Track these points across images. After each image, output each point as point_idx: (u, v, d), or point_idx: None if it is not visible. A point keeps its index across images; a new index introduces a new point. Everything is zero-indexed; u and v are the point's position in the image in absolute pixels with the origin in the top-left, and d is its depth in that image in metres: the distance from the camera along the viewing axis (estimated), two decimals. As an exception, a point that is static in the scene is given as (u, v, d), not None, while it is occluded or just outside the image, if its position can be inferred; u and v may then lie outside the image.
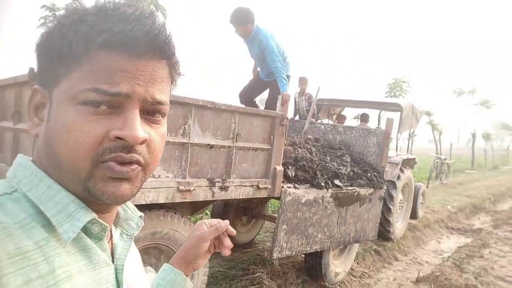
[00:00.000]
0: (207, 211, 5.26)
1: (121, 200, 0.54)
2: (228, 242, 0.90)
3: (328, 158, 4.05)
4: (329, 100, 6.74)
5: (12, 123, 2.42)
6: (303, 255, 4.34)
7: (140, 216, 0.69)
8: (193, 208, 3.29)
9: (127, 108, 0.52)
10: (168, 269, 0.88)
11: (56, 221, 0.51)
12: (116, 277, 0.59)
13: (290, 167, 3.53)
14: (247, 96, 4.66)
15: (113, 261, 0.60)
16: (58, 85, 0.52)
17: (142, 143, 0.53)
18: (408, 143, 7.83)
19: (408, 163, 6.78)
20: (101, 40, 0.50)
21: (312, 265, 4.21)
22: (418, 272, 5.20)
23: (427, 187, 11.46)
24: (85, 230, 0.55)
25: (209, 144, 2.70)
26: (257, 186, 3.11)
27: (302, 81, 7.07)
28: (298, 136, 4.53)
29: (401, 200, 6.55)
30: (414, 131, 7.60)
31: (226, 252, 0.91)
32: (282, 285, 4.09)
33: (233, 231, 0.91)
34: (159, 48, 0.54)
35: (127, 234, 0.66)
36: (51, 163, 0.54)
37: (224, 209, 4.92)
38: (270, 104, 4.45)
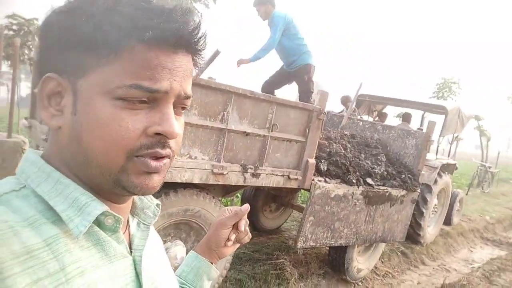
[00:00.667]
0: (238, 194, 5.41)
1: (152, 191, 0.55)
2: (242, 226, 0.89)
3: (362, 155, 4.04)
4: (370, 96, 6.63)
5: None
6: (327, 248, 4.41)
7: (157, 205, 0.68)
8: (225, 191, 3.44)
9: (163, 103, 0.52)
10: (193, 256, 0.89)
11: (66, 216, 0.50)
12: (135, 268, 0.58)
13: (323, 161, 3.58)
14: (270, 88, 4.66)
15: (131, 252, 0.60)
16: (86, 77, 0.50)
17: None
18: (451, 147, 7.56)
19: (448, 168, 6.58)
20: (148, 37, 0.49)
21: (335, 259, 4.26)
22: (444, 279, 5.11)
23: (466, 194, 11.03)
24: (98, 223, 0.54)
25: (245, 132, 2.80)
26: (288, 176, 3.19)
27: (346, 100, 6.94)
28: (335, 131, 4.54)
29: (435, 204, 6.39)
30: (458, 135, 7.33)
31: (245, 239, 0.91)
32: (303, 274, 4.19)
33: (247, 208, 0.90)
34: (195, 44, 0.54)
35: (144, 224, 0.66)
36: (77, 156, 0.52)
37: (254, 194, 5.05)
38: (302, 96, 4.47)
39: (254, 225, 5.16)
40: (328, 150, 3.76)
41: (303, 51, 4.40)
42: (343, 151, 3.80)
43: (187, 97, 0.56)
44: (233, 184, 2.86)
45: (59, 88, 0.52)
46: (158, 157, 0.53)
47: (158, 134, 0.52)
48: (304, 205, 4.51)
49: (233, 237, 0.89)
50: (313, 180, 3.34)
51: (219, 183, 2.76)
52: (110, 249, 0.55)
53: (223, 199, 4.16)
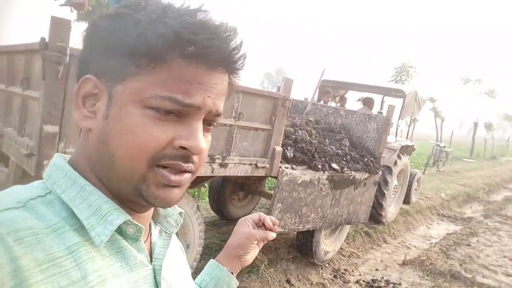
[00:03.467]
0: (206, 184, 5.38)
1: (170, 204, 0.55)
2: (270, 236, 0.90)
3: (327, 141, 4.13)
4: (333, 82, 6.75)
5: (21, 89, 2.48)
6: (295, 233, 4.50)
7: (180, 213, 0.68)
8: (192, 182, 3.39)
9: (194, 118, 0.53)
10: (214, 265, 0.87)
11: (88, 224, 0.50)
12: (155, 277, 0.59)
13: (289, 148, 3.62)
14: None
15: (151, 261, 0.60)
16: (124, 83, 0.51)
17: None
18: (408, 130, 7.88)
19: (406, 149, 6.87)
20: (190, 52, 0.49)
21: (303, 243, 4.36)
22: (405, 256, 5.39)
23: (423, 173, 11.60)
24: (120, 231, 0.54)
25: (211, 122, 2.77)
26: (256, 165, 3.20)
27: (327, 94, 6.88)
28: (300, 117, 4.60)
29: (395, 185, 6.68)
30: (415, 118, 7.65)
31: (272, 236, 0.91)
32: (273, 260, 4.26)
33: (275, 229, 0.91)
34: (233, 63, 0.54)
35: (166, 232, 0.65)
36: (103, 160, 0.53)
37: (222, 183, 5.04)
38: None
39: (223, 214, 5.17)
40: (294, 137, 3.81)
41: None
42: (308, 138, 3.86)
43: (218, 115, 0.56)
44: (201, 175, 2.83)
45: (96, 91, 0.53)
46: (179, 171, 0.53)
47: (183, 148, 0.52)
48: (271, 192, 4.57)
49: (261, 244, 0.90)
50: (280, 167, 3.38)
51: (187, 175, 2.72)
52: (131, 258, 0.55)
53: (190, 190, 4.12)
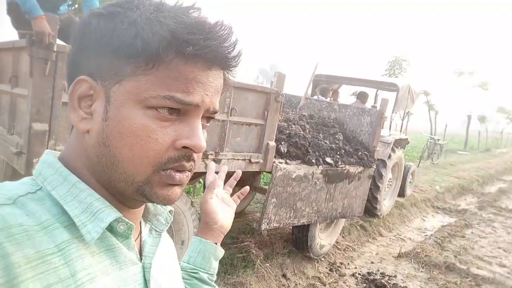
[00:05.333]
0: (201, 180, 5.37)
1: (172, 202, 0.55)
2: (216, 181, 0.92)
3: (321, 135, 4.12)
4: (327, 76, 6.75)
5: (10, 87, 2.45)
6: (291, 227, 4.50)
7: (170, 211, 0.68)
8: (186, 178, 3.38)
9: (193, 116, 0.53)
10: (197, 241, 0.89)
11: (79, 221, 0.50)
12: (144, 275, 0.59)
13: (283, 143, 3.61)
14: None
15: (141, 259, 0.59)
16: (122, 83, 0.50)
17: None
18: (402, 123, 7.90)
19: (400, 143, 6.89)
20: (188, 52, 0.49)
21: (299, 237, 4.37)
22: (400, 248, 5.42)
23: (418, 166, 11.67)
24: (111, 228, 0.54)
25: (203, 118, 2.75)
26: (249, 160, 3.19)
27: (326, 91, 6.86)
28: (293, 112, 4.59)
29: (390, 178, 6.71)
30: (409, 111, 7.67)
31: (246, 189, 0.99)
32: (269, 255, 4.27)
33: (238, 172, 0.98)
34: (230, 61, 0.55)
35: (156, 231, 0.65)
36: (103, 161, 0.52)
37: (216, 179, 5.02)
38: None
39: (218, 210, 5.16)
40: (287, 131, 3.80)
41: None
42: (302, 132, 3.85)
43: (215, 112, 0.57)
44: (195, 171, 2.82)
45: (91, 92, 0.52)
46: (182, 170, 0.54)
47: (185, 147, 0.53)
48: (266, 187, 4.57)
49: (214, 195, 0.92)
50: (274, 162, 3.37)
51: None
52: (121, 256, 0.55)
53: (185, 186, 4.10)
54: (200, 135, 0.53)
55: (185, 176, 0.55)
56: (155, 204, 0.66)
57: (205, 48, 0.50)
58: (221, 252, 0.91)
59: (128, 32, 0.49)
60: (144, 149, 0.50)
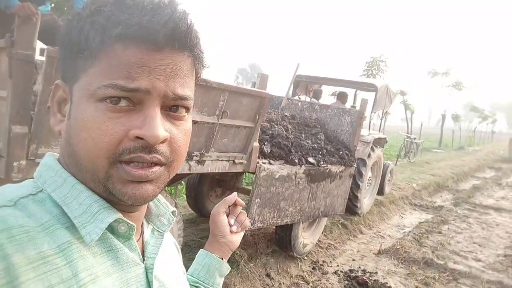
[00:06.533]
0: (183, 182, 5.33)
1: (143, 201, 0.52)
2: (239, 213, 0.89)
3: (303, 135, 4.17)
4: (307, 77, 6.82)
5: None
6: (274, 227, 4.53)
7: (173, 212, 0.67)
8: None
9: (147, 105, 0.50)
10: (203, 254, 0.87)
11: (79, 223, 0.50)
12: (147, 276, 0.58)
13: (266, 143, 3.63)
14: None
15: (143, 260, 0.59)
16: (78, 81, 0.50)
17: (163, 142, 0.51)
18: (381, 122, 8.07)
19: (379, 142, 7.03)
20: (117, 33, 0.47)
21: (282, 237, 4.40)
22: (380, 245, 5.54)
23: (395, 165, 11.91)
24: (112, 229, 0.53)
25: (193, 120, 2.72)
26: (233, 161, 3.19)
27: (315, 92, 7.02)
28: (275, 113, 4.62)
29: (370, 177, 6.84)
30: (387, 111, 7.84)
31: (246, 222, 0.90)
32: (252, 255, 4.28)
33: (241, 203, 0.90)
34: (179, 40, 0.50)
35: (158, 231, 0.64)
36: (72, 161, 0.53)
37: (199, 180, 5.01)
38: None
39: (201, 211, 5.14)
40: (270, 132, 3.83)
41: None
42: (284, 133, 3.89)
43: (182, 98, 0.52)
44: (177, 173, 2.79)
45: (65, 95, 0.54)
46: (146, 165, 0.50)
47: (139, 138, 0.49)
48: (249, 188, 4.58)
49: (232, 220, 0.88)
50: (258, 163, 3.39)
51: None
52: (123, 257, 0.54)
53: (167, 187, 4.07)
54: (154, 124, 0.49)
55: (152, 172, 0.51)
56: (157, 204, 0.65)
57: (132, 26, 0.47)
58: (227, 268, 0.88)
59: (76, 29, 0.49)
60: (96, 142, 0.48)
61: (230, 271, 3.48)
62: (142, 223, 0.63)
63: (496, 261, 5.46)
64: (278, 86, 7.41)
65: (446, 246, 5.87)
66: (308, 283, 4.22)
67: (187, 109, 0.55)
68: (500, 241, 6.44)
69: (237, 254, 4.06)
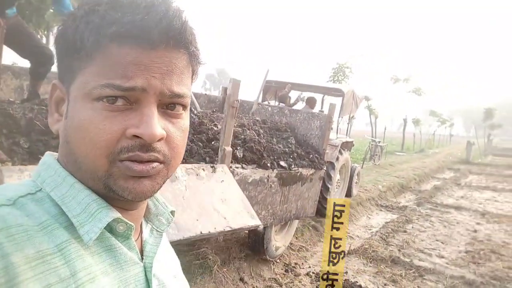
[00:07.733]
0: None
1: (142, 196, 0.53)
2: None
3: (274, 140, 4.23)
4: (276, 82, 6.92)
5: None
6: (247, 231, 4.56)
7: (172, 212, 0.67)
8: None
9: (144, 103, 0.50)
10: None
11: (77, 222, 0.50)
12: (146, 275, 0.58)
13: (238, 148, 3.66)
14: None
15: (142, 259, 0.59)
16: (74, 81, 0.51)
17: (160, 140, 0.51)
18: (348, 126, 8.30)
19: (347, 145, 7.22)
20: (111, 32, 0.47)
21: (255, 240, 4.43)
22: (349, 245, 5.68)
23: (362, 167, 12.26)
24: (110, 229, 0.54)
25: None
26: (207, 165, 3.20)
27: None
28: (247, 117, 4.66)
29: (338, 179, 7.00)
30: (353, 115, 8.08)
31: None
32: (225, 259, 4.29)
33: None
34: (173, 37, 0.50)
35: (157, 231, 0.65)
36: (71, 160, 0.53)
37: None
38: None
39: (172, 217, 5.08)
40: (242, 137, 3.86)
41: None
42: (256, 137, 3.93)
43: (179, 96, 0.52)
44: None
45: (62, 95, 0.55)
46: (140, 160, 0.51)
47: (136, 136, 0.50)
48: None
49: None
50: (230, 167, 3.41)
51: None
52: (121, 256, 0.54)
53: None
54: (151, 123, 0.49)
55: (151, 168, 0.51)
56: (156, 204, 0.66)
57: (126, 25, 0.47)
58: None
59: (71, 29, 0.50)
60: (94, 141, 0.49)
61: (204, 277, 3.45)
62: (141, 223, 0.64)
63: (458, 257, 5.74)
64: (248, 91, 7.48)
65: (411, 244, 6.10)
66: (281, 286, 4.27)
67: (184, 106, 0.55)
68: (461, 238, 6.77)
69: (210, 259, 4.05)
